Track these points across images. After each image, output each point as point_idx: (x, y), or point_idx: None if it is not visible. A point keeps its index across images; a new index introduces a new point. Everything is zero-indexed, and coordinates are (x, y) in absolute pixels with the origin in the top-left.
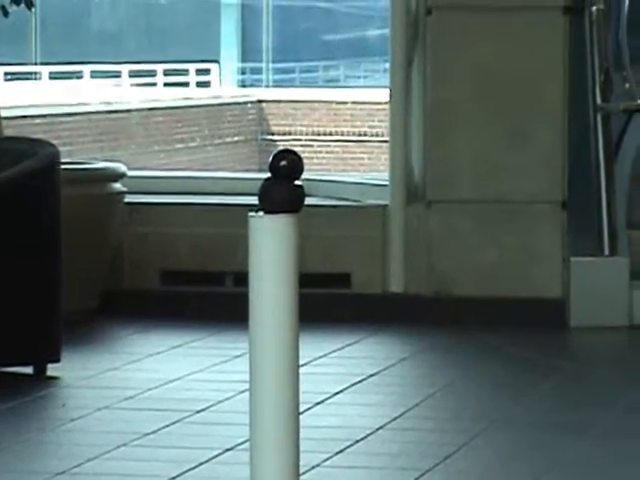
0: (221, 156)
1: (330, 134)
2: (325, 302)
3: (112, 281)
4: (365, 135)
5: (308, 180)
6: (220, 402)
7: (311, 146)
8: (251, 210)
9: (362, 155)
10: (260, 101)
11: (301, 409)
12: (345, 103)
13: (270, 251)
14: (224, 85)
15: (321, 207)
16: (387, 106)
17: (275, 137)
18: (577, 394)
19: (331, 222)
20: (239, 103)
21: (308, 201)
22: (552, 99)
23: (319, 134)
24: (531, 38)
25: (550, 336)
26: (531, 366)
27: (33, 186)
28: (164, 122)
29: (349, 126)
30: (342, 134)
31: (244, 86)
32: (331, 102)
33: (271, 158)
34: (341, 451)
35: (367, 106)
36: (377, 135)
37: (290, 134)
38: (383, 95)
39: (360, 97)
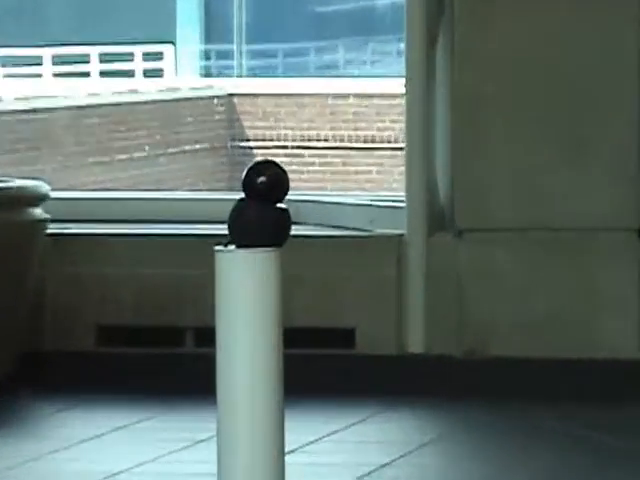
0: (178, 170)
1: (326, 139)
2: (321, 367)
3: (32, 340)
4: (373, 141)
5: (296, 202)
6: None
7: (300, 156)
8: (219, 243)
9: (369, 167)
10: (231, 95)
11: None
12: (346, 97)
13: (245, 298)
14: (182, 74)
15: (314, 239)
16: (402, 101)
17: (251, 144)
18: None
19: (328, 259)
20: (202, 98)
21: (296, 230)
22: (623, 95)
23: (310, 139)
24: (596, 14)
25: (623, 411)
26: (596, 452)
27: None
28: (101, 125)
29: (351, 128)
30: (342, 139)
31: (209, 75)
32: (327, 96)
33: (245, 172)
34: None
35: (375, 101)
36: (389, 141)
37: (271, 140)
38: (397, 86)
39: (366, 89)
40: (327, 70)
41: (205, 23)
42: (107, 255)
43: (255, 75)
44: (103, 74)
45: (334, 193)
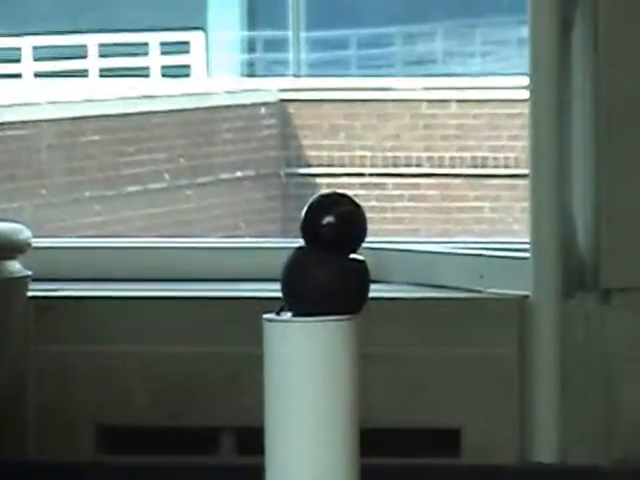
0: (211, 207)
1: (418, 164)
2: None
3: (8, 447)
4: (484, 165)
5: (377, 251)
6: None
7: (383, 187)
8: (268, 310)
9: (479, 203)
10: (285, 102)
11: None
12: (446, 104)
13: (306, 386)
14: (215, 73)
15: (402, 302)
16: (525, 110)
17: (313, 170)
18: None
19: (421, 331)
20: (245, 106)
21: (377, 291)
22: None
23: (397, 164)
24: None
25: None
26: None
27: None
28: (102, 144)
29: (454, 149)
30: (440, 163)
31: (253, 75)
32: (419, 102)
33: (306, 210)
34: None
35: (488, 110)
36: (506, 165)
37: (342, 165)
38: (518, 89)
39: (474, 93)
40: (420, 66)
41: (248, 1)
42: (112, 327)
43: (317, 74)
44: (104, 73)
45: (429, 240)
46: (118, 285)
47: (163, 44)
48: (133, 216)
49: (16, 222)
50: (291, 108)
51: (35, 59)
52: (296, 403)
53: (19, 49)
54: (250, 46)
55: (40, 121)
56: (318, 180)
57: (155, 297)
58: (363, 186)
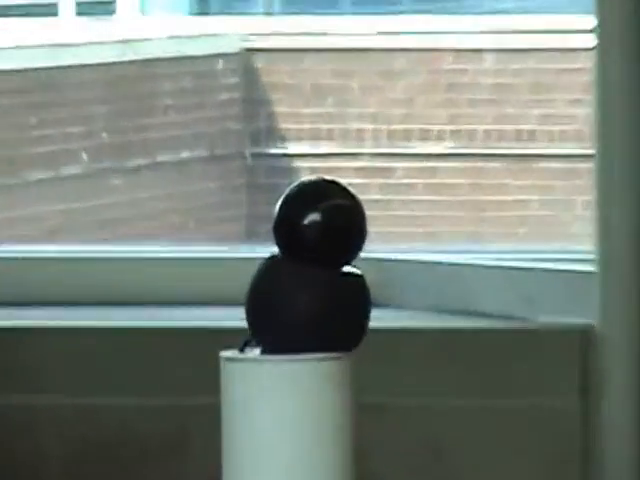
0: (148, 200)
1: (441, 138)
2: None
3: None
4: (532, 141)
5: (381, 261)
6: None
7: (388, 173)
8: (228, 345)
9: (524, 196)
10: (250, 51)
11: None
12: (478, 55)
13: (280, 448)
14: (152, 10)
15: (419, 334)
16: (588, 62)
17: (290, 149)
18: None
19: (447, 375)
20: (194, 58)
21: (380, 320)
22: None
23: (409, 139)
24: None
25: None
26: None
27: None
28: (3, 111)
29: (489, 119)
30: (470, 140)
31: (206, 14)
32: (440, 52)
33: (280, 204)
34: None
35: (534, 63)
36: (562, 142)
37: (330, 139)
38: (579, 34)
39: (515, 39)
40: (438, 2)
41: None
42: (31, 371)
43: (297, 12)
44: (8, 12)
45: (454, 248)
46: (22, 311)
47: None
48: (41, 213)
49: None
50: (260, 61)
51: None
52: (266, 472)
53: None
54: None
55: None
56: (297, 163)
57: (73, 328)
58: (361, 171)
